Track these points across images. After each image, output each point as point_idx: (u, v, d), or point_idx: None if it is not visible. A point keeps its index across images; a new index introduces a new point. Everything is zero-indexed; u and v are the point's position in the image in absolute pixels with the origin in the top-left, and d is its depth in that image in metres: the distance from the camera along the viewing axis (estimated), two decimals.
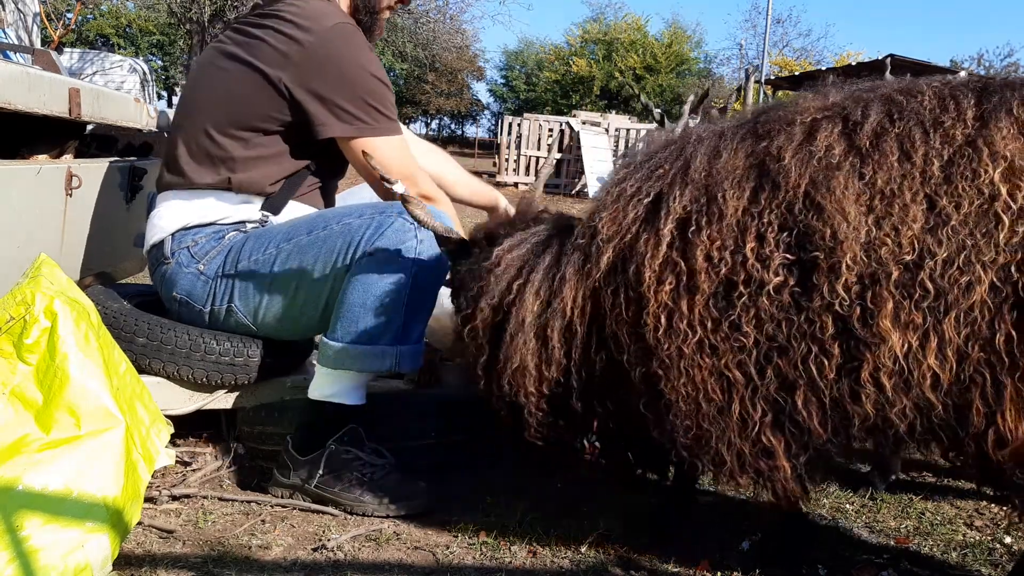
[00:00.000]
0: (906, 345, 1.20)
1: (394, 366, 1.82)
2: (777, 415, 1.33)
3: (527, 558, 1.61)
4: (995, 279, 1.15)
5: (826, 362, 1.25)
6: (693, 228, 1.33)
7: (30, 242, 1.99)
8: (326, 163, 2.05)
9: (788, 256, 1.27)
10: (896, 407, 1.23)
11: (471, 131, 42.28)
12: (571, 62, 31.82)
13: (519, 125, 15.15)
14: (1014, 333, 1.15)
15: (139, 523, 1.59)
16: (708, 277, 1.31)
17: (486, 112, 41.99)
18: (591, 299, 1.47)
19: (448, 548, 1.64)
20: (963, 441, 1.23)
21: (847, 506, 1.89)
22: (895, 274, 1.20)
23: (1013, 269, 1.15)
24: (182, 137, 1.98)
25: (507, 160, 15.06)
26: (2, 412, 1.38)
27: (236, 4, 13.96)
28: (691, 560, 1.60)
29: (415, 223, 1.78)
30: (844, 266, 1.21)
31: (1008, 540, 1.73)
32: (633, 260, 1.39)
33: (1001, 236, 1.15)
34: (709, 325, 1.32)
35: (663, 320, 1.34)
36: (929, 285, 1.18)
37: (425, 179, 2.03)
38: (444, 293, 2.24)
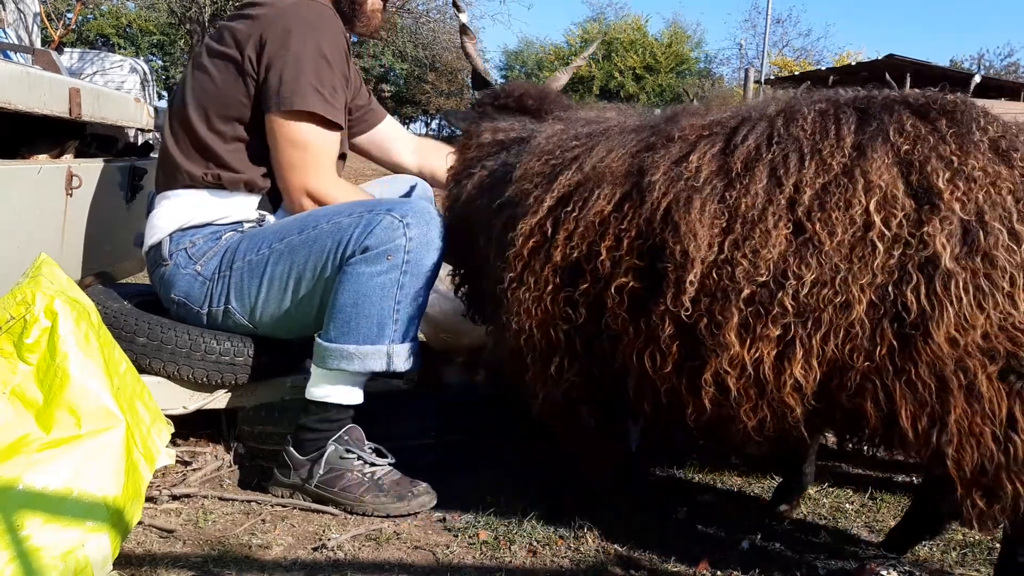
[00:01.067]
0: (757, 355, 1.27)
1: (388, 365, 1.82)
2: (588, 383, 1.54)
3: (527, 558, 1.61)
4: (873, 297, 1.22)
5: (660, 358, 1.37)
6: (568, 208, 1.48)
7: (30, 242, 1.99)
8: None
9: (638, 262, 1.39)
10: (744, 406, 1.32)
11: None
12: (570, 62, 31.78)
13: None
14: (895, 343, 1.21)
15: (139, 523, 1.59)
16: (562, 253, 1.47)
17: None
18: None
19: (448, 548, 1.64)
20: (868, 438, 1.34)
21: (847, 506, 1.89)
22: (746, 291, 1.27)
23: (891, 288, 1.21)
24: (172, 137, 2.01)
25: None
26: (2, 412, 1.38)
27: (236, 4, 13.97)
28: (691, 560, 1.60)
29: (403, 221, 1.77)
30: (688, 282, 1.30)
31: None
32: (520, 209, 1.57)
33: (877, 261, 1.21)
34: (548, 289, 1.50)
35: (517, 267, 1.54)
36: (789, 304, 1.24)
37: (334, 178, 1.99)
38: (442, 293, 2.24)
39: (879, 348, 1.23)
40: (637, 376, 1.43)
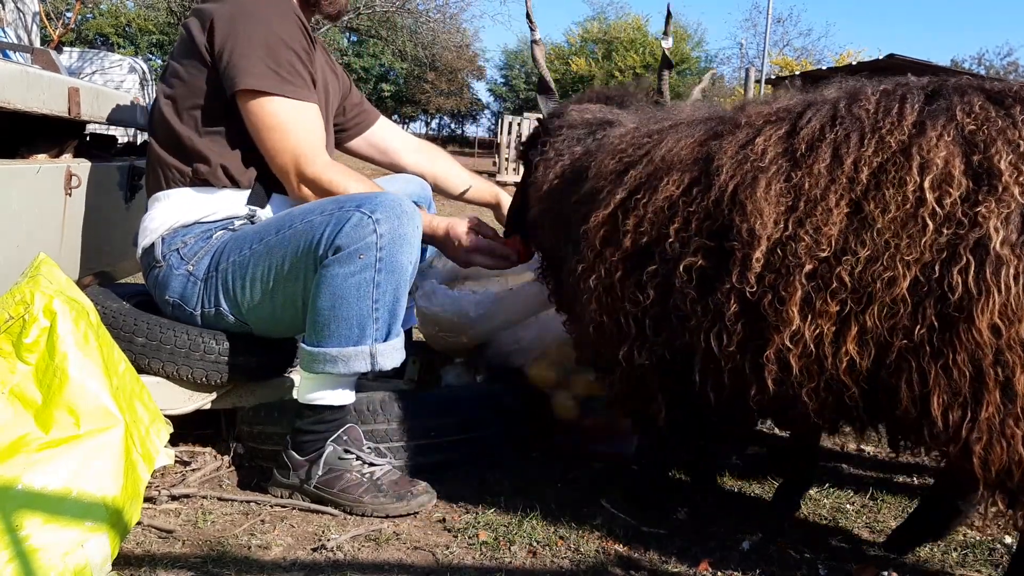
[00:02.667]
0: (817, 331, 1.30)
1: (373, 366, 1.80)
2: (658, 368, 1.57)
3: (527, 558, 1.60)
4: (919, 275, 1.23)
5: (725, 336, 1.40)
6: (638, 196, 1.54)
7: (29, 241, 1.99)
8: None
9: (707, 242, 1.43)
10: (806, 386, 1.34)
11: (471, 130, 42.28)
12: (570, 61, 31.80)
13: (519, 124, 15.13)
14: (936, 324, 1.22)
15: (138, 523, 1.58)
16: (632, 239, 1.53)
17: (486, 111, 41.98)
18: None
19: (448, 548, 1.64)
20: (899, 425, 1.34)
21: (847, 506, 1.89)
22: (808, 267, 1.30)
23: (938, 267, 1.22)
24: (153, 136, 2.02)
25: (507, 159, 15.04)
26: (1, 411, 1.38)
27: None
28: (691, 560, 1.60)
29: (373, 217, 1.75)
30: (755, 259, 1.34)
31: (1008, 540, 1.72)
32: (593, 205, 1.62)
33: (926, 239, 1.22)
34: (618, 275, 1.55)
35: (590, 257, 1.60)
36: (847, 279, 1.27)
37: (324, 160, 1.95)
38: (439, 291, 2.24)
39: (919, 327, 1.22)
40: (703, 357, 1.46)
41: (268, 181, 2.01)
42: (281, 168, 1.94)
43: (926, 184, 1.22)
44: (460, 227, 2.07)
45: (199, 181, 1.97)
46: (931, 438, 1.27)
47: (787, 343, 1.32)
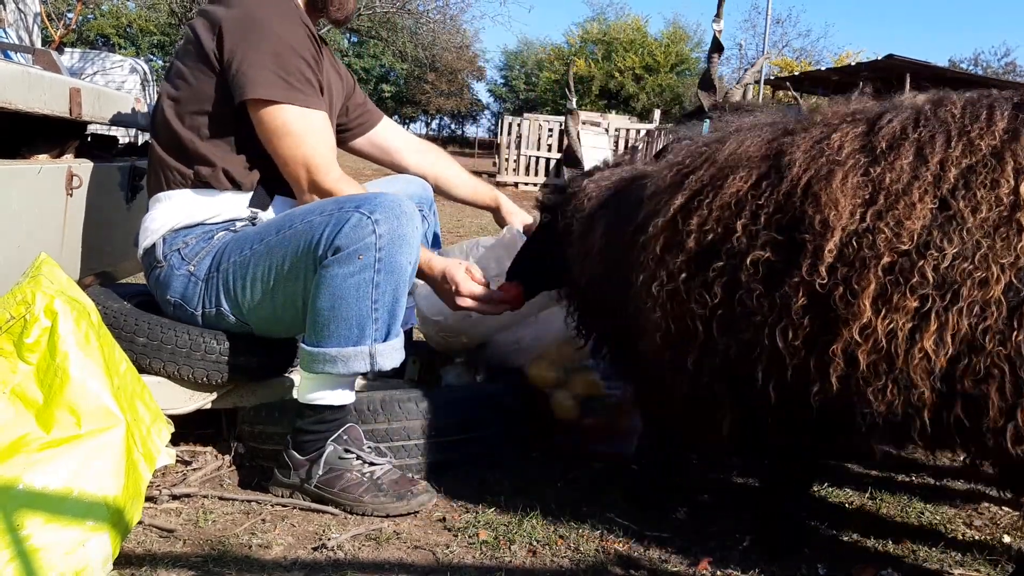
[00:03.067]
0: (891, 325, 1.28)
1: (372, 366, 1.81)
2: (726, 368, 1.51)
3: (527, 558, 1.61)
4: (1013, 279, 1.22)
5: (791, 331, 1.37)
6: (700, 198, 1.51)
7: (30, 241, 1.99)
8: None
9: (777, 236, 1.40)
10: (873, 384, 1.31)
11: (471, 131, 42.29)
12: (570, 62, 31.78)
13: (519, 125, 15.14)
14: None
15: (139, 522, 1.58)
16: (696, 239, 1.49)
17: (486, 112, 42.01)
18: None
19: (448, 548, 1.64)
20: (977, 436, 1.29)
21: (847, 506, 1.89)
22: (887, 260, 1.28)
23: None
24: (155, 137, 2.02)
25: (507, 160, 15.04)
26: (3, 411, 1.38)
27: None
28: (691, 560, 1.60)
29: (372, 218, 1.75)
30: (827, 250, 1.32)
31: (1008, 540, 1.73)
32: (652, 217, 1.60)
33: (1022, 244, 1.22)
34: (683, 278, 1.51)
35: (651, 266, 1.57)
36: (930, 274, 1.26)
37: (337, 174, 1.95)
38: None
39: (1016, 333, 1.21)
40: (767, 354, 1.43)
41: (271, 184, 2.01)
42: (293, 176, 1.95)
43: (1022, 188, 1.22)
44: (457, 272, 2.00)
45: (201, 183, 1.97)
46: (1016, 443, 1.25)
47: (856, 337, 1.30)
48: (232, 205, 1.99)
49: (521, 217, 2.49)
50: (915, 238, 1.27)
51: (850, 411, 1.37)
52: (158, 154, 2.01)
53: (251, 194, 2.00)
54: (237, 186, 1.98)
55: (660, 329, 1.56)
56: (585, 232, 1.92)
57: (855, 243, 1.31)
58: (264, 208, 2.01)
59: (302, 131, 1.92)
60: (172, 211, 1.99)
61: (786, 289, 1.37)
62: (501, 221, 2.52)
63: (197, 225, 1.97)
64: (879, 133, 1.36)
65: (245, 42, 1.89)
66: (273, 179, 2.00)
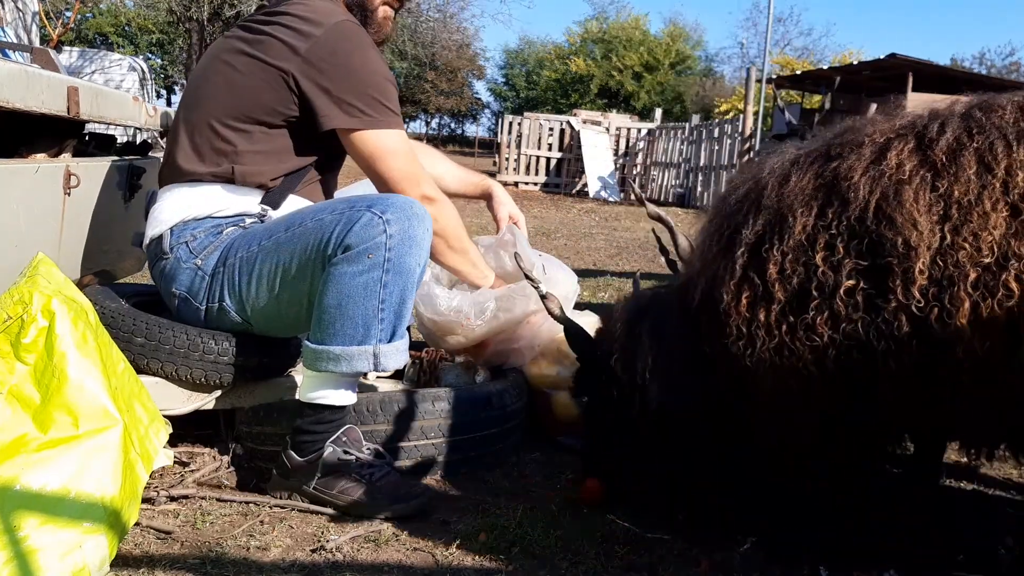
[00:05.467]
0: (988, 343, 1.26)
1: (376, 366, 1.80)
2: (848, 405, 1.45)
3: (527, 560, 1.60)
4: None
5: (904, 358, 1.33)
6: (766, 246, 1.45)
7: (28, 241, 1.98)
8: (326, 158, 2.06)
9: (860, 262, 1.36)
10: (980, 404, 1.30)
11: (471, 130, 42.32)
12: (570, 61, 31.81)
13: (519, 124, 15.14)
14: None
15: (137, 524, 1.58)
16: (782, 286, 1.42)
17: (486, 111, 42.02)
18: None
19: (447, 549, 1.63)
20: None
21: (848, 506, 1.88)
22: (972, 276, 1.27)
23: None
24: (185, 130, 1.99)
25: (507, 159, 15.04)
26: (0, 412, 1.38)
27: (234, 2, 13.95)
28: (691, 560, 1.60)
29: (383, 218, 1.76)
30: (917, 271, 1.29)
31: (1008, 540, 1.72)
32: (716, 287, 1.52)
33: None
34: (784, 328, 1.42)
35: (740, 329, 1.47)
36: (1014, 285, 1.25)
37: (428, 179, 2.04)
38: (436, 291, 2.24)
39: None
40: (882, 385, 1.38)
41: (286, 184, 2.01)
42: (399, 191, 1.97)
43: None
44: None
45: (225, 180, 1.96)
46: None
47: (960, 356, 1.27)
48: (245, 201, 1.98)
49: (509, 208, 2.48)
50: (995, 250, 1.26)
51: (956, 427, 1.37)
52: (183, 147, 1.97)
53: (264, 192, 2.00)
54: (258, 186, 1.97)
55: (778, 389, 1.48)
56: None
57: (941, 261, 1.29)
58: (276, 207, 2.00)
59: (406, 149, 2.00)
60: (184, 202, 1.96)
61: (886, 315, 1.33)
62: (492, 210, 2.52)
63: (206, 218, 1.96)
64: (935, 146, 1.34)
65: (347, 72, 1.91)
66: (290, 183, 2.00)
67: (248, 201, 1.97)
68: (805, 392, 1.45)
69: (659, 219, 2.12)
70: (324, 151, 2.02)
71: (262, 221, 1.98)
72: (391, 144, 1.96)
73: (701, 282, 1.57)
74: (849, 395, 1.44)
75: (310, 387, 1.84)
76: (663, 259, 2.14)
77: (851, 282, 1.36)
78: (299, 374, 1.99)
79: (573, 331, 1.91)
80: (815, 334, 1.40)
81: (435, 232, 1.92)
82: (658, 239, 2.15)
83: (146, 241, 2.03)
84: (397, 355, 1.83)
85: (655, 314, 1.75)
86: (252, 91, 1.93)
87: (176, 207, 1.97)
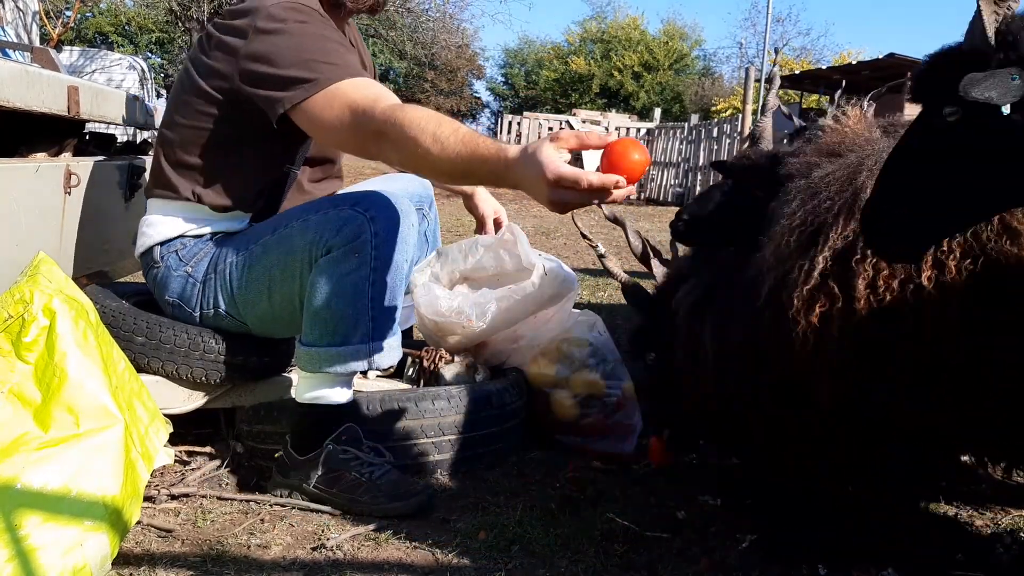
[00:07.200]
0: None
1: (370, 364, 1.80)
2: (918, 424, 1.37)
3: (526, 557, 1.60)
4: None
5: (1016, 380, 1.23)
6: (857, 257, 1.30)
7: (28, 240, 1.98)
8: (299, 153, 2.01)
9: (974, 284, 1.23)
10: None
11: None
12: (569, 61, 31.82)
13: (519, 124, 15.15)
14: None
15: (138, 522, 1.58)
16: (868, 304, 1.29)
17: (486, 110, 41.97)
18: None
19: (447, 548, 1.63)
20: None
21: (848, 506, 1.89)
22: None
23: None
24: (162, 144, 1.97)
25: None
26: (1, 410, 1.38)
27: (234, 2, 13.92)
28: (691, 560, 1.60)
29: (368, 215, 1.73)
30: None
31: (1008, 540, 1.72)
32: (786, 288, 1.38)
33: None
34: (860, 346, 1.31)
35: (811, 340, 1.34)
36: None
37: (387, 94, 1.71)
38: (437, 292, 2.24)
39: None
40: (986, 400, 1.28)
41: (275, 202, 2.00)
42: (348, 132, 1.72)
43: None
44: (562, 167, 1.51)
45: (196, 199, 1.92)
46: None
47: None
48: (231, 222, 1.97)
49: (493, 205, 2.42)
50: None
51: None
52: (161, 162, 1.94)
53: (251, 215, 1.98)
54: (243, 209, 1.96)
55: (831, 391, 1.38)
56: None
57: None
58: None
59: (362, 84, 1.72)
60: (171, 222, 1.96)
61: (1002, 343, 1.22)
62: (472, 208, 2.42)
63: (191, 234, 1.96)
64: None
65: (275, 53, 1.75)
66: (277, 195, 1.99)
67: (235, 222, 1.96)
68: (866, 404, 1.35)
69: (615, 220, 2.23)
70: (292, 151, 1.97)
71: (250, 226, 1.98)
72: (347, 91, 1.69)
73: (769, 279, 1.42)
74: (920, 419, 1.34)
75: (306, 388, 1.85)
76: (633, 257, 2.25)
77: (959, 306, 1.21)
78: (295, 374, 1.99)
79: (633, 289, 2.04)
80: (902, 357, 1.28)
81: (415, 133, 1.54)
82: (627, 236, 2.25)
83: (137, 253, 2.03)
84: (391, 352, 1.83)
85: (720, 307, 1.66)
86: (208, 104, 1.86)
87: (164, 225, 1.96)
